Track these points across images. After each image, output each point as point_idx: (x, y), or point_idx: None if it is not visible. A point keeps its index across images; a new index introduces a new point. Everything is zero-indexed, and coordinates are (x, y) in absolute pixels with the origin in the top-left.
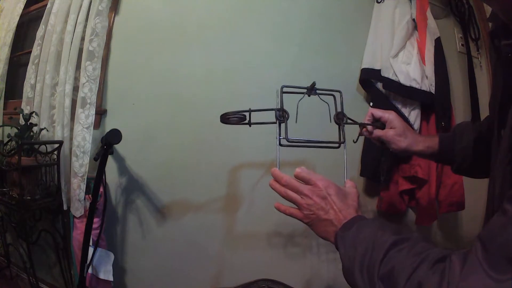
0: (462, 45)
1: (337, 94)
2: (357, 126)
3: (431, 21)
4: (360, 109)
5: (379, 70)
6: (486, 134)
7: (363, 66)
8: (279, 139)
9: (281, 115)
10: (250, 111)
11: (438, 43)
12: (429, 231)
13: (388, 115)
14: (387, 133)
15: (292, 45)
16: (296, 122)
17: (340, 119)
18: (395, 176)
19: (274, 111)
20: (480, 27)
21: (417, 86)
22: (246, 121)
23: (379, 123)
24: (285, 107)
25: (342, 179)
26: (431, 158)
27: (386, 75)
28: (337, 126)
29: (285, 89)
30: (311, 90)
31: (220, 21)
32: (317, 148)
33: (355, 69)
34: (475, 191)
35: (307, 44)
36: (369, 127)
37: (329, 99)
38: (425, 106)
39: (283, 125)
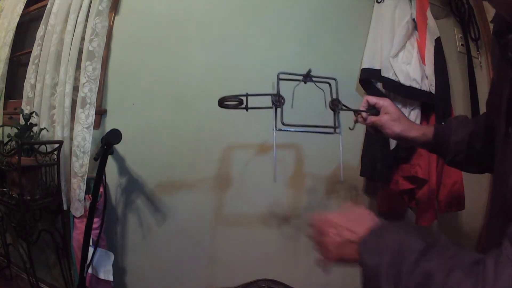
0: (462, 45)
1: (332, 82)
2: (355, 117)
3: (431, 21)
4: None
5: (379, 70)
6: (483, 131)
7: (363, 66)
8: (276, 123)
9: (277, 100)
10: (247, 95)
11: (438, 43)
12: (429, 231)
13: (383, 102)
14: (382, 118)
15: (292, 45)
16: (292, 107)
17: (335, 105)
18: (395, 176)
19: (270, 97)
20: (480, 27)
21: (417, 86)
22: (243, 106)
23: (374, 110)
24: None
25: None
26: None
27: (386, 75)
28: (333, 115)
29: (281, 76)
30: (307, 77)
31: (220, 20)
32: (312, 133)
33: (355, 69)
34: (475, 191)
35: (307, 44)
36: (364, 114)
37: (325, 87)
38: (425, 106)
39: (279, 110)
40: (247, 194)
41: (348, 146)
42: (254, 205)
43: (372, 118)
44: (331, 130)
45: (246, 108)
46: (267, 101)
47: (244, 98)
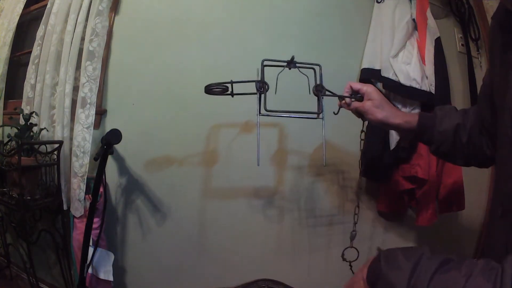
0: (462, 45)
1: (317, 68)
2: (339, 102)
3: (431, 21)
4: None
5: (379, 70)
6: (471, 125)
7: (363, 66)
8: (259, 109)
9: (261, 86)
10: (232, 82)
11: (438, 43)
12: (429, 231)
13: (366, 88)
14: (365, 104)
15: (291, 45)
16: (275, 93)
17: (319, 90)
18: (395, 176)
19: (255, 83)
20: (480, 27)
21: (417, 86)
22: (229, 92)
23: (358, 95)
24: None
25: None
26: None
27: (386, 75)
28: (317, 100)
29: (266, 63)
30: (291, 63)
31: (220, 20)
32: (296, 118)
33: (355, 69)
34: (475, 191)
35: (307, 44)
36: (348, 100)
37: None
38: (425, 106)
39: (263, 96)
40: (253, 190)
41: (348, 148)
42: (260, 200)
43: (355, 104)
44: (314, 115)
45: (232, 94)
46: (253, 86)
47: (229, 85)
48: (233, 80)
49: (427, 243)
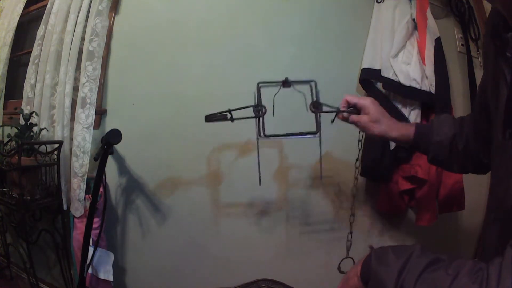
0: (462, 45)
1: (312, 84)
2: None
3: (431, 21)
4: None
5: (379, 70)
6: (467, 133)
7: (363, 66)
8: (259, 132)
9: (259, 110)
10: (229, 111)
11: (438, 43)
12: (429, 231)
13: (363, 101)
14: (361, 119)
15: (291, 45)
16: (273, 115)
17: (316, 108)
18: (395, 176)
19: (252, 107)
20: (480, 27)
21: (417, 86)
22: (229, 118)
23: (354, 109)
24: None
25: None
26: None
27: (386, 75)
28: (315, 118)
29: (261, 85)
30: (286, 83)
31: (220, 21)
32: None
33: (355, 69)
34: (475, 191)
35: (307, 44)
36: (344, 114)
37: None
38: (425, 106)
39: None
40: (255, 198)
41: (348, 148)
42: (260, 209)
43: (353, 118)
44: (313, 133)
45: (232, 119)
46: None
47: (228, 114)
48: (231, 109)
49: (427, 243)
